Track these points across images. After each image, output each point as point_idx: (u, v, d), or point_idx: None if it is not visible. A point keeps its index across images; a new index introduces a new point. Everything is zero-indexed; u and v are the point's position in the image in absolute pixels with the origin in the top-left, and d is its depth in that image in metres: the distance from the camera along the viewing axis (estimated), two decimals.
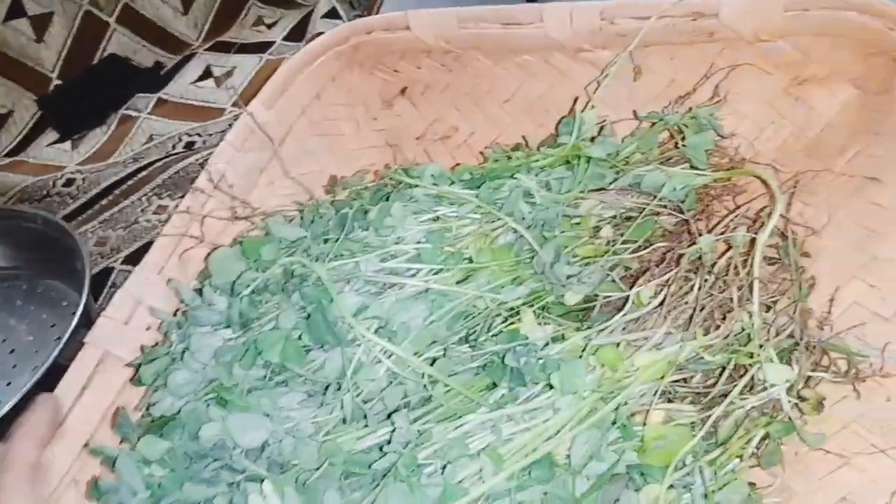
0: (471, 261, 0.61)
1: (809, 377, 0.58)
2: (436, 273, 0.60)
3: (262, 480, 0.52)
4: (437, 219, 0.62)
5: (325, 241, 0.63)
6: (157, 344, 0.66)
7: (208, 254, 0.71)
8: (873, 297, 0.62)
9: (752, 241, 0.63)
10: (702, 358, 0.57)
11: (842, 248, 0.66)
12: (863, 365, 0.59)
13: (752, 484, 0.57)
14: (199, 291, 0.68)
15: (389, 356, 0.58)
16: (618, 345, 0.59)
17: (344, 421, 0.58)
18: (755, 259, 0.57)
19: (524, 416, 0.55)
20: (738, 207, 0.66)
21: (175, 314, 0.67)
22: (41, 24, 1.19)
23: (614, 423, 0.54)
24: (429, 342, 0.59)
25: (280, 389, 0.59)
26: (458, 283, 0.60)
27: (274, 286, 0.60)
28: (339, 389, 0.58)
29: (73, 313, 0.91)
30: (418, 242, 0.60)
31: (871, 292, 0.62)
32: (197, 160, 1.03)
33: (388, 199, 0.64)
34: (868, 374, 0.57)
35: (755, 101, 0.74)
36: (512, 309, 0.62)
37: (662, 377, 0.56)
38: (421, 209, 0.62)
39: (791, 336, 0.59)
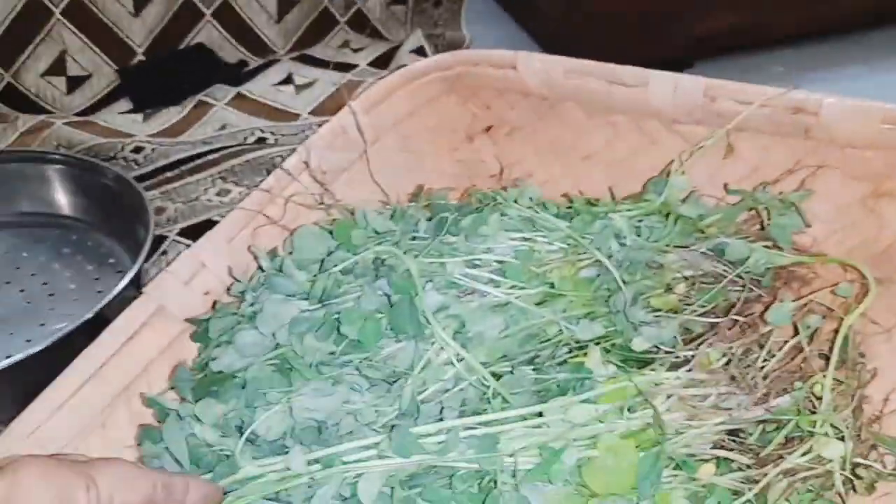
0: (552, 286, 0.62)
1: (858, 464, 0.59)
2: (518, 289, 0.61)
3: None
4: (527, 239, 0.64)
5: (413, 238, 0.65)
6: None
7: (291, 232, 0.73)
8: None
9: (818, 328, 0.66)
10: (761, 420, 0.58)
11: None
12: None
13: None
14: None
15: (460, 360, 0.59)
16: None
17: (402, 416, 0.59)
18: (840, 334, 0.59)
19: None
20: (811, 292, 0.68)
21: (250, 281, 0.68)
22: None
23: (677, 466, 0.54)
24: (499, 355, 0.60)
25: (347, 370, 0.59)
26: (536, 304, 0.62)
27: (361, 270, 0.62)
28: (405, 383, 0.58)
29: (119, 271, 0.93)
30: (506, 257, 0.62)
31: None
32: (268, 154, 1.05)
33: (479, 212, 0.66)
34: None
35: (831, 204, 0.77)
36: (579, 342, 0.63)
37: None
38: (513, 227, 0.64)
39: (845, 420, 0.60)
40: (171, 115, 1.19)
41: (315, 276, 0.62)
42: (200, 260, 0.72)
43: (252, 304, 0.64)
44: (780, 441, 0.59)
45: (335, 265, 0.61)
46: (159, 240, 0.97)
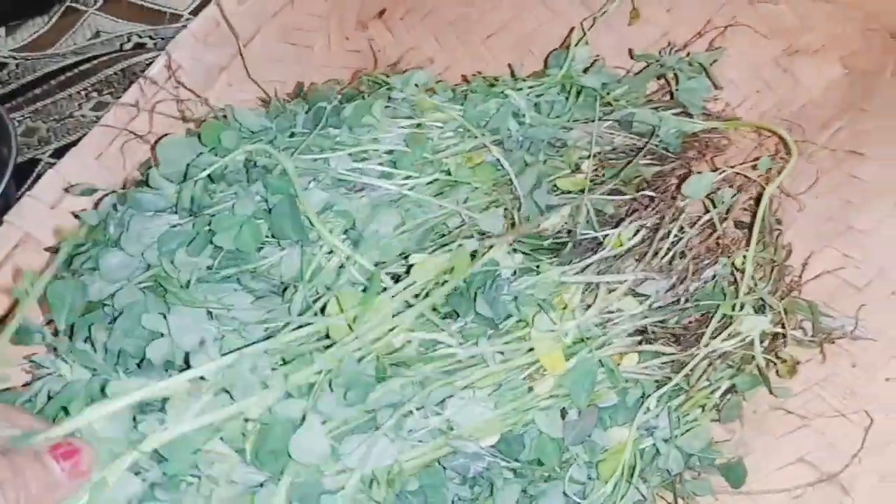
0: (449, 174, 0.57)
1: (778, 335, 0.57)
2: (411, 180, 0.55)
3: None
4: (418, 125, 0.58)
5: (292, 135, 0.58)
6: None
7: (156, 142, 0.65)
8: (846, 267, 0.61)
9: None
10: (677, 302, 0.55)
11: (817, 217, 0.65)
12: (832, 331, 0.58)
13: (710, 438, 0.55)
14: (143, 183, 0.62)
15: (353, 263, 0.53)
16: (592, 285, 0.57)
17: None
18: (762, 205, 0.56)
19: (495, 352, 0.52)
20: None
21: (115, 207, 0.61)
22: None
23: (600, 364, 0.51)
24: (397, 253, 0.55)
25: (228, 285, 0.54)
26: (433, 195, 0.57)
27: (232, 175, 0.55)
28: (295, 293, 0.53)
29: None
30: (396, 146, 0.56)
31: (844, 261, 0.61)
32: (148, 60, 0.95)
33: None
34: (838, 335, 0.56)
35: (744, 66, 0.73)
36: (484, 234, 0.59)
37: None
38: (402, 114, 0.58)
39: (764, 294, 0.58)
40: (37, 26, 1.07)
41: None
42: (65, 180, 0.65)
43: (119, 227, 0.57)
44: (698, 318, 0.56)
45: (202, 170, 0.54)
46: (31, 164, 0.88)
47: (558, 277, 0.56)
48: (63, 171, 0.66)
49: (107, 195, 0.62)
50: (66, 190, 0.64)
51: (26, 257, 0.62)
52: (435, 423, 0.49)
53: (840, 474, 0.53)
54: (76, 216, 0.61)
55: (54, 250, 0.61)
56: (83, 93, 0.95)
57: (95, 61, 0.98)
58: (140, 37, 1.04)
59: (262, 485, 0.45)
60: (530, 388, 0.51)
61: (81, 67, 0.97)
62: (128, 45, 1.03)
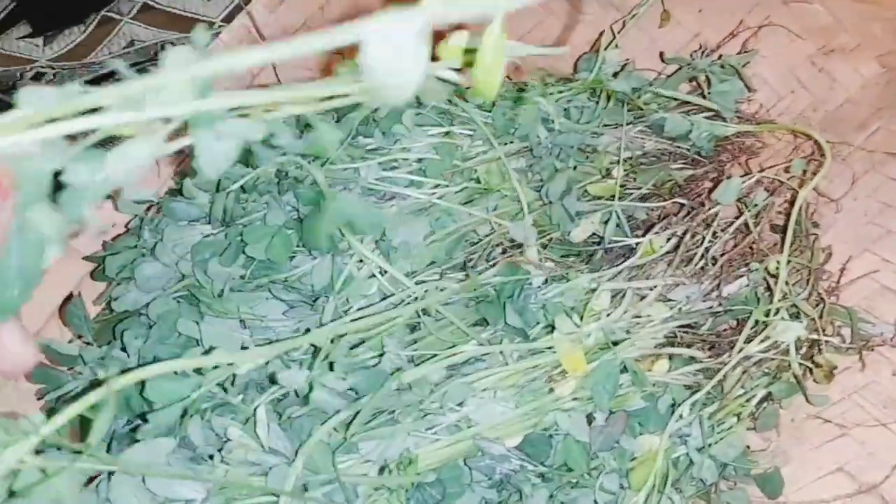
0: (478, 182, 0.57)
1: (815, 342, 0.56)
2: (441, 188, 0.55)
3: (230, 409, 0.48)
4: (447, 133, 0.57)
5: None
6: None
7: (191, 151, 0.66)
8: (885, 271, 0.60)
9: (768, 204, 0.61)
10: (711, 308, 0.54)
11: (855, 221, 0.64)
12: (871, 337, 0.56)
13: (746, 447, 0.54)
14: (177, 192, 0.63)
15: (384, 273, 0.54)
16: (622, 292, 0.56)
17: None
18: (796, 207, 0.55)
19: (519, 356, 0.52)
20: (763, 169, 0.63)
21: (147, 211, 0.62)
22: None
23: (624, 369, 0.50)
24: (427, 262, 0.55)
25: (260, 294, 0.54)
26: (462, 203, 0.57)
27: (264, 185, 0.56)
28: (326, 302, 0.53)
29: None
30: (425, 154, 0.56)
31: (883, 266, 0.60)
32: None
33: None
34: (877, 342, 0.55)
35: (778, 67, 0.71)
36: (514, 241, 0.59)
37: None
38: (430, 122, 0.58)
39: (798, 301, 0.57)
40: (73, 36, 1.09)
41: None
42: None
43: (154, 237, 0.58)
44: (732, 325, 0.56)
45: (234, 182, 0.55)
46: None
47: (588, 284, 0.56)
48: None
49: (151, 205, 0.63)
50: (110, 198, 0.65)
51: (60, 269, 0.63)
52: (452, 419, 0.49)
53: (881, 485, 0.52)
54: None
55: (94, 259, 0.62)
56: None
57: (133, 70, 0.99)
58: (174, 45, 1.05)
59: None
60: (551, 390, 0.50)
61: (117, 76, 0.99)
62: (162, 54, 1.04)
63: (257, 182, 0.56)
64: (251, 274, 0.54)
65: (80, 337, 0.55)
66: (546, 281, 0.57)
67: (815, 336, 0.55)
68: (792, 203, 0.64)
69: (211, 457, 0.45)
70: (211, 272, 0.53)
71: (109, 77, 1.00)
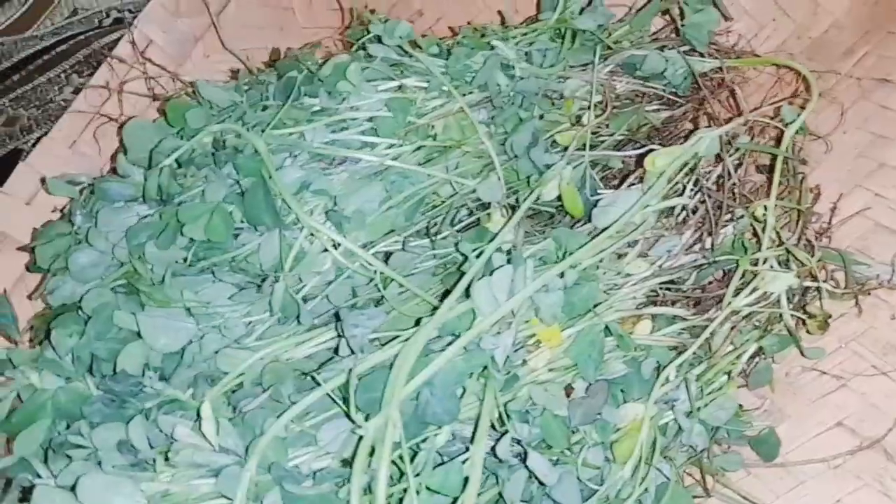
0: (435, 139, 0.52)
1: (807, 290, 0.52)
2: (395, 148, 0.51)
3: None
4: (399, 87, 0.52)
5: (265, 108, 0.54)
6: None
7: (121, 126, 0.61)
8: (879, 207, 0.56)
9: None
10: (694, 261, 0.50)
11: (845, 155, 0.59)
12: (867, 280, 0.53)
13: (739, 406, 0.51)
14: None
15: (337, 247, 0.49)
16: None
17: (280, 321, 0.50)
18: (781, 150, 0.50)
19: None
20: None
21: (81, 193, 0.57)
22: None
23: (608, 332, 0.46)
24: (385, 231, 0.51)
25: (205, 278, 0.50)
26: (420, 164, 0.52)
27: (201, 158, 0.51)
28: (276, 282, 0.49)
29: None
30: (377, 112, 0.51)
31: (876, 202, 0.56)
32: (124, 36, 0.91)
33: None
34: (873, 285, 0.51)
35: None
36: (480, 200, 0.54)
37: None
38: (381, 76, 0.53)
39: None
40: (14, 9, 1.02)
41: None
42: (39, 174, 0.62)
43: (88, 221, 0.53)
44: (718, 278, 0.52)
45: (167, 155, 0.50)
46: (14, 154, 0.85)
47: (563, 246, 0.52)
48: (36, 164, 0.63)
49: (85, 187, 0.59)
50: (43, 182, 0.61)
51: (2, 258, 0.59)
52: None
53: (884, 439, 0.48)
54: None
55: (29, 249, 0.57)
56: (63, 75, 0.91)
57: (73, 41, 0.93)
58: (119, 10, 0.99)
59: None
60: (524, 362, 0.46)
61: (59, 49, 0.93)
62: (107, 21, 0.98)
63: (193, 154, 0.51)
64: (193, 256, 0.49)
65: (8, 338, 0.51)
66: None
67: (807, 284, 0.51)
68: (778, 142, 0.60)
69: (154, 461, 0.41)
70: (149, 257, 0.49)
71: (50, 50, 0.94)
